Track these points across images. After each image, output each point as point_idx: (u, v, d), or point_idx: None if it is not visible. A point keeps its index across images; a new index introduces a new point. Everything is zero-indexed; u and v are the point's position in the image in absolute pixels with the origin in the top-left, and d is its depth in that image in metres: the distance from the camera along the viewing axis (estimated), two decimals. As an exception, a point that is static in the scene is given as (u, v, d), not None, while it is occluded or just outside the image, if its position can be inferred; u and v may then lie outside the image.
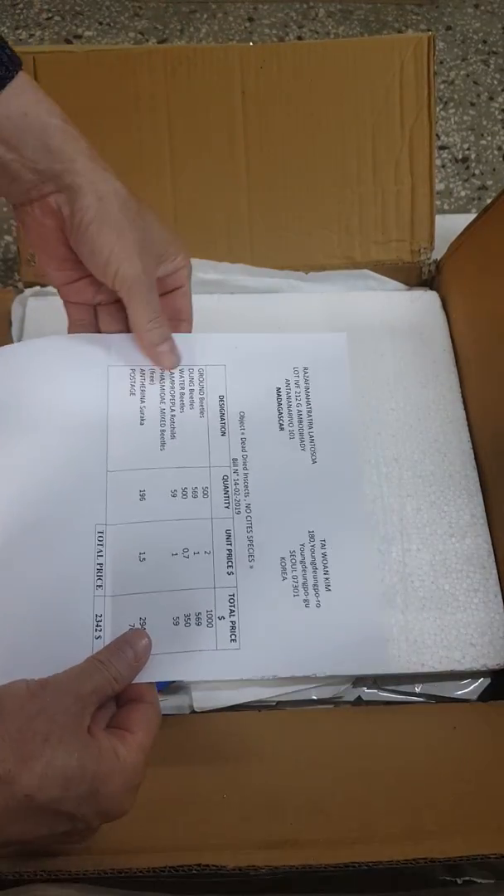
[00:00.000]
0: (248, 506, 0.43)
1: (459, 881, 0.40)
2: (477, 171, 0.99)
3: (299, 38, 1.09)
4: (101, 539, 0.40)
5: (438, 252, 0.64)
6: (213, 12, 1.10)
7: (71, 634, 0.38)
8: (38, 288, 0.62)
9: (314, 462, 0.45)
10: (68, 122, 0.39)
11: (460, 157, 1.00)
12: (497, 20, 1.12)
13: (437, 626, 0.50)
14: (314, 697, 0.50)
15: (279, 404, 0.46)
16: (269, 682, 0.49)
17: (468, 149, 1.00)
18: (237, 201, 0.62)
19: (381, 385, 0.59)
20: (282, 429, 0.45)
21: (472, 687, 0.51)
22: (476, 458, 0.57)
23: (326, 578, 0.41)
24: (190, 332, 0.46)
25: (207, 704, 0.48)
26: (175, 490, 0.42)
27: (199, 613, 0.39)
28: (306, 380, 0.47)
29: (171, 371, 0.45)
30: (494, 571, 0.52)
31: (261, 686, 0.49)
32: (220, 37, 1.08)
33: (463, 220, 0.59)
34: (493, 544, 0.53)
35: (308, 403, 0.46)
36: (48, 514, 0.41)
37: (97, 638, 0.38)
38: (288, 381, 0.47)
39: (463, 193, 0.97)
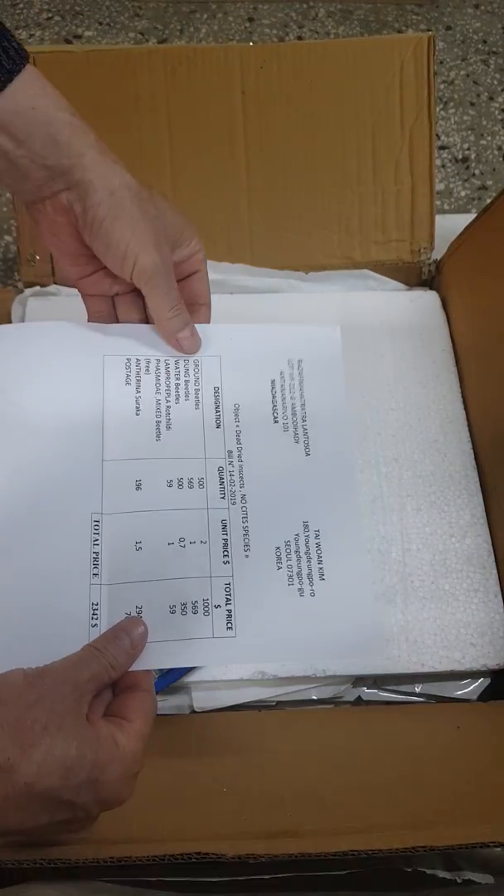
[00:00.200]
0: (243, 496, 0.43)
1: (459, 880, 0.40)
2: (477, 171, 0.99)
3: (299, 38, 1.09)
4: (96, 528, 0.41)
5: (438, 252, 0.64)
6: (213, 12, 1.10)
7: (67, 623, 0.38)
8: (38, 288, 0.63)
9: (308, 455, 0.45)
10: (76, 116, 0.39)
11: (460, 157, 1.00)
12: (497, 20, 1.12)
13: (437, 626, 0.50)
14: (314, 697, 0.50)
15: (273, 397, 0.46)
16: (269, 682, 0.49)
17: (468, 149, 1.00)
18: (237, 201, 0.62)
19: (381, 385, 0.59)
20: (276, 422, 0.46)
21: (472, 687, 0.51)
22: (476, 458, 0.57)
23: (321, 568, 0.41)
24: (209, 316, 0.47)
25: (207, 704, 0.48)
26: (171, 480, 0.43)
27: (196, 602, 0.39)
28: (300, 373, 0.47)
29: (167, 362, 0.45)
30: (494, 571, 0.52)
31: (261, 686, 0.49)
32: (220, 37, 1.08)
33: (463, 220, 0.59)
34: (493, 544, 0.53)
35: (302, 396, 0.46)
36: (44, 502, 0.41)
37: (93, 626, 0.38)
38: (282, 373, 0.47)
39: (463, 193, 0.97)
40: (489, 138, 1.01)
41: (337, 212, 0.63)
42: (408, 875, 0.40)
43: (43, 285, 0.63)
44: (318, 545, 0.42)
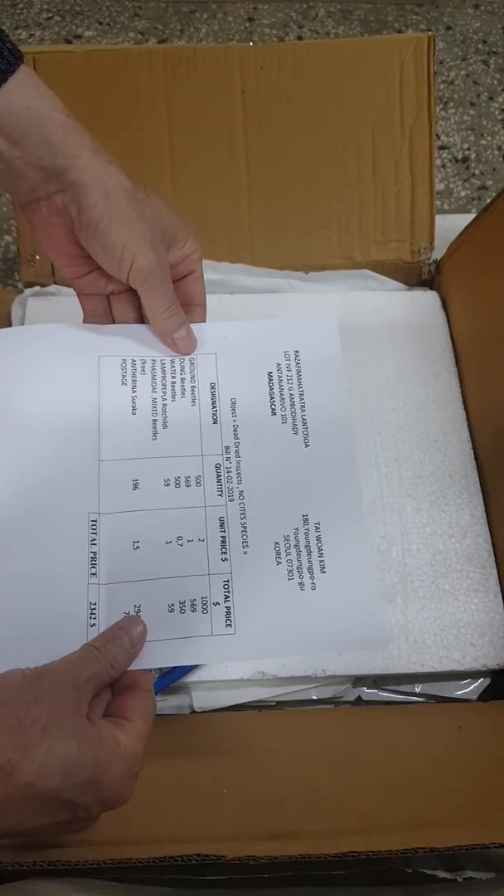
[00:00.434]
0: (241, 493, 0.43)
1: (460, 879, 0.40)
2: (477, 171, 0.99)
3: (299, 38, 1.09)
4: (94, 528, 0.41)
5: (438, 252, 0.64)
6: (213, 12, 1.10)
7: (65, 623, 0.38)
8: (38, 288, 0.63)
9: (307, 446, 0.45)
10: (70, 116, 0.39)
11: (460, 157, 1.00)
12: (497, 20, 1.12)
13: (437, 626, 0.50)
14: (314, 697, 0.50)
15: (271, 389, 0.46)
16: (269, 682, 0.49)
17: (468, 149, 1.00)
18: (237, 201, 0.62)
19: (381, 385, 0.59)
20: (274, 413, 0.45)
21: (472, 687, 0.51)
22: (476, 458, 0.57)
23: (321, 561, 0.41)
24: (204, 316, 0.47)
25: (207, 704, 0.48)
26: (168, 479, 0.43)
27: (194, 600, 0.39)
28: (298, 363, 0.47)
29: (162, 361, 0.45)
30: (494, 571, 0.52)
31: (261, 686, 0.49)
32: (220, 37, 1.08)
33: (463, 220, 0.59)
34: (492, 544, 0.53)
35: (300, 387, 0.46)
36: (41, 503, 0.41)
37: (92, 626, 0.38)
38: (279, 365, 0.47)
39: (463, 193, 0.97)
40: (489, 138, 1.01)
41: (337, 212, 0.63)
42: (408, 875, 0.40)
43: (43, 285, 0.63)
44: (318, 538, 0.42)
